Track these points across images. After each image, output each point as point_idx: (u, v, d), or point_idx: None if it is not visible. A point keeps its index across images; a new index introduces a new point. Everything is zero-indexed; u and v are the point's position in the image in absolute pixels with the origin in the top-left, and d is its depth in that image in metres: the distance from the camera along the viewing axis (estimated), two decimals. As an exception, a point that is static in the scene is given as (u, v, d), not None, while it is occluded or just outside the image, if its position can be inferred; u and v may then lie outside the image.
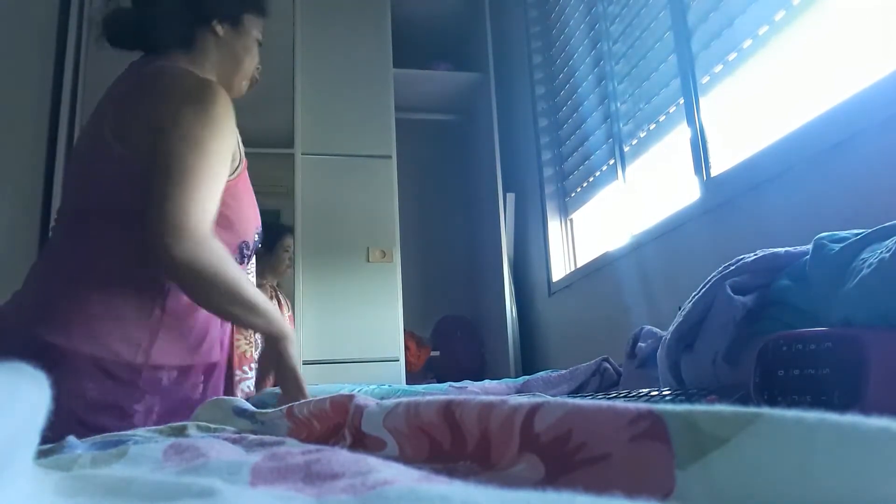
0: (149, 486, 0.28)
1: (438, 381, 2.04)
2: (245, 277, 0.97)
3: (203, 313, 1.06)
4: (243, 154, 1.11)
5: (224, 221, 1.01)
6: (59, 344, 0.92)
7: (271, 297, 2.27)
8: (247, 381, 1.24)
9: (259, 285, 2.17)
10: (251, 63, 1.18)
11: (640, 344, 1.06)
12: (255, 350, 1.26)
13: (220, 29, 1.12)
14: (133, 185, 0.98)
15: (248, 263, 1.16)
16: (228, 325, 1.18)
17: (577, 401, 0.31)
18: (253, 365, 1.25)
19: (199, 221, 0.91)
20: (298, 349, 1.03)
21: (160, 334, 0.99)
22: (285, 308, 2.31)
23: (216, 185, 0.96)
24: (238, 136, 1.07)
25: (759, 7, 1.26)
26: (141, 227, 0.92)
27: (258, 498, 0.26)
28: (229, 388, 1.23)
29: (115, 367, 0.95)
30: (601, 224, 2.12)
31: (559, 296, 2.22)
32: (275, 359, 1.02)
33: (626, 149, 1.86)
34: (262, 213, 1.13)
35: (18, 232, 2.12)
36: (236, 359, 1.23)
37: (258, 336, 1.22)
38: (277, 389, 1.05)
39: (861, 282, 0.54)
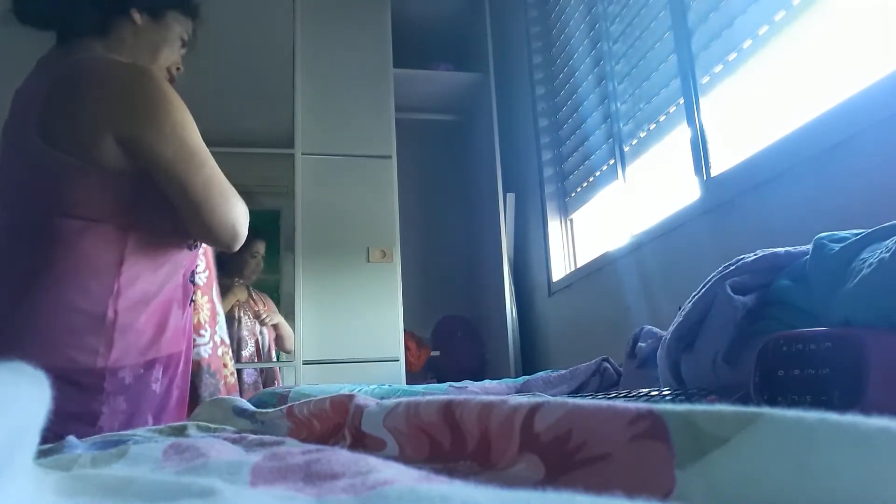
0: (149, 486, 0.28)
1: (438, 381, 2.04)
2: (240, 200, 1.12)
3: (159, 306, 1.06)
4: None
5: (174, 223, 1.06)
6: (14, 359, 0.91)
7: (247, 297, 2.28)
8: (203, 346, 1.25)
9: (229, 286, 2.20)
10: (169, 57, 1.17)
11: (640, 344, 1.06)
12: (204, 314, 1.27)
13: (138, 17, 1.11)
14: (80, 191, 0.97)
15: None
16: (190, 310, 1.18)
17: (577, 401, 0.31)
18: (203, 331, 1.27)
19: (231, 212, 1.05)
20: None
21: (116, 336, 0.99)
22: (260, 303, 2.32)
23: (215, 164, 1.05)
24: None
25: (759, 7, 1.26)
26: (191, 237, 1.09)
27: (258, 498, 0.26)
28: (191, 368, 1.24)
29: (75, 374, 0.95)
30: (601, 224, 2.12)
31: (559, 296, 2.22)
32: None
33: (626, 149, 1.85)
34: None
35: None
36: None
37: (206, 301, 1.30)
38: (278, 389, 1.05)
39: (861, 282, 0.54)
